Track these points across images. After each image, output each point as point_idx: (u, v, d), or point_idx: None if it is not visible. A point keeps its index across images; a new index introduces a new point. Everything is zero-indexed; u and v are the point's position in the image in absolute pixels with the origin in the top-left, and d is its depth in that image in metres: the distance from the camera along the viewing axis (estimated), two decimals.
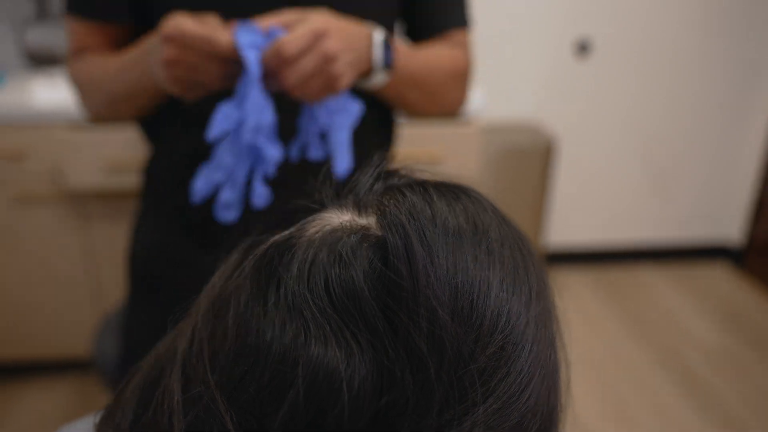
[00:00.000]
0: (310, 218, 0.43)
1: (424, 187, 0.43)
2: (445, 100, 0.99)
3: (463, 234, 0.40)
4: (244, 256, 0.43)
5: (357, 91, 0.88)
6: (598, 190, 2.97)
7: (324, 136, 0.85)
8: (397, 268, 0.38)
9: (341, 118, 0.82)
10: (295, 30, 0.73)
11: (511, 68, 2.71)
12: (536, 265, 0.44)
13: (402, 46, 0.90)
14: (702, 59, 2.79)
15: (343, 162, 0.82)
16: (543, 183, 2.65)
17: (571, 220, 2.99)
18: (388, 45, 0.83)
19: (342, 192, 0.45)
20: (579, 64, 2.74)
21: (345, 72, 0.76)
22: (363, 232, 0.40)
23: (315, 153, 0.85)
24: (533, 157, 2.59)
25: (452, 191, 0.44)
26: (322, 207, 0.44)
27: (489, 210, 0.44)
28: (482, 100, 2.22)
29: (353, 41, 0.78)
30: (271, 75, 0.74)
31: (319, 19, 0.75)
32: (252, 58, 0.72)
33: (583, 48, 2.70)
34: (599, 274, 3.00)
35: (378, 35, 0.83)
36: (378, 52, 0.82)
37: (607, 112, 2.83)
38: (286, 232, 0.43)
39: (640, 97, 2.83)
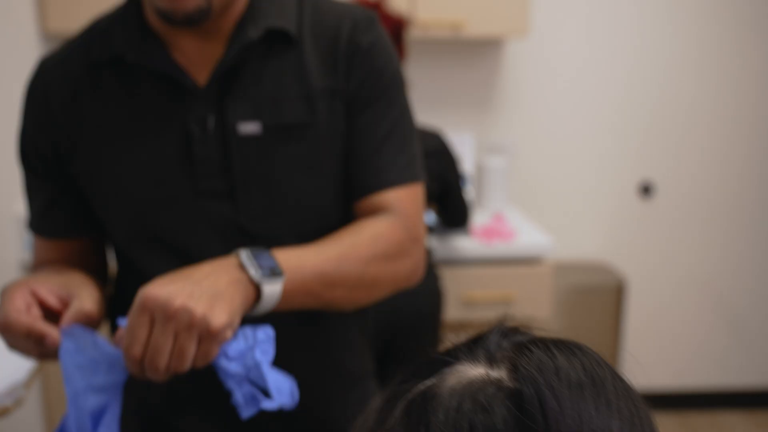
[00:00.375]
0: (447, 369, 0.50)
1: (545, 343, 0.50)
2: (384, 283, 0.91)
3: (584, 386, 0.47)
4: (390, 403, 0.50)
5: (266, 317, 0.81)
6: (671, 332, 2.92)
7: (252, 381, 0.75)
8: (533, 416, 0.44)
9: (256, 353, 0.75)
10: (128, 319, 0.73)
11: (578, 210, 2.80)
12: (647, 414, 0.49)
13: (295, 249, 0.85)
14: (766, 199, 2.83)
15: (282, 395, 0.76)
16: (615, 323, 2.64)
17: (646, 362, 2.93)
18: (260, 253, 0.80)
19: (473, 347, 0.52)
20: (643, 205, 2.81)
21: (207, 314, 0.71)
22: (498, 384, 0.47)
23: (266, 404, 0.75)
24: (604, 296, 2.61)
25: (568, 347, 0.51)
26: (456, 360, 0.51)
27: (602, 364, 0.50)
28: (551, 242, 2.29)
29: (194, 278, 0.75)
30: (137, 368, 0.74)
31: (141, 296, 0.73)
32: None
33: (646, 190, 2.78)
34: (681, 419, 2.88)
35: (243, 250, 0.80)
36: (251, 264, 0.78)
37: (673, 252, 2.86)
38: (428, 382, 0.49)
39: (705, 237, 2.85)
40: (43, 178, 0.96)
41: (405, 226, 0.93)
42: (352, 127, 0.94)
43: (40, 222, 0.98)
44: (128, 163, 0.91)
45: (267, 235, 0.92)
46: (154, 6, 0.84)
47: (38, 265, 1.00)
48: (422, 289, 1.82)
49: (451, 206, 2.08)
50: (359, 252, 0.87)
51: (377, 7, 1.85)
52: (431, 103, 2.73)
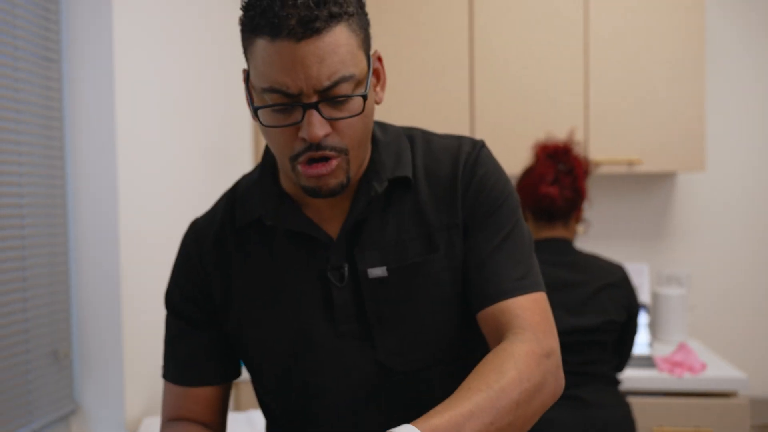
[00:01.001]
0: None
1: None
2: (534, 416, 0.87)
3: None
4: None
5: None
6: None
7: None
8: None
9: None
10: None
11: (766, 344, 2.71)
12: None
13: (446, 414, 0.78)
14: None
15: None
16: None
17: None
18: None
19: None
20: None
21: None
22: None
23: None
24: None
25: None
26: None
27: None
28: (745, 376, 2.24)
29: None
30: None
31: None
32: None
33: None
34: None
35: None
36: None
37: None
38: None
39: None
40: (195, 327, 1.03)
41: (537, 340, 0.89)
42: (468, 246, 0.97)
43: (183, 371, 1.04)
44: (275, 314, 0.99)
45: (404, 369, 0.98)
46: (300, 185, 0.91)
47: (170, 420, 1.05)
48: (614, 416, 1.85)
49: (625, 341, 2.10)
50: (509, 398, 0.82)
51: (568, 151, 2.02)
52: (605, 235, 2.84)
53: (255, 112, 0.88)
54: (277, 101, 0.84)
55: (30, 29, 1.59)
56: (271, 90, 0.84)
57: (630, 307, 1.99)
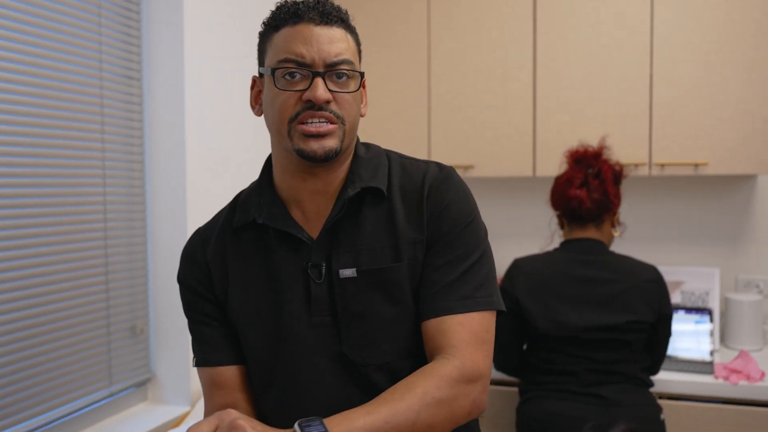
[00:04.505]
0: None
1: None
2: (440, 426, 0.98)
3: None
4: None
5: None
6: None
7: None
8: None
9: None
10: None
11: None
12: None
13: (348, 412, 0.93)
14: None
15: None
16: None
17: None
18: (312, 422, 0.90)
19: None
20: None
21: None
22: None
23: None
24: None
25: None
26: None
27: None
28: None
29: None
30: None
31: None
32: None
33: None
34: None
35: (297, 422, 0.90)
36: None
37: None
38: None
39: None
40: (209, 320, 1.16)
41: (461, 368, 1.01)
42: (426, 261, 1.08)
43: (210, 354, 1.16)
44: (264, 302, 1.11)
45: (365, 362, 1.08)
46: (296, 149, 1.03)
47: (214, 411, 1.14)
48: (636, 417, 1.86)
49: (658, 343, 2.08)
50: (410, 403, 0.95)
51: (598, 155, 2.06)
52: (671, 237, 2.79)
53: (272, 73, 1.04)
54: (292, 67, 1.03)
55: (114, 53, 1.87)
56: (287, 60, 1.03)
57: (661, 308, 1.99)
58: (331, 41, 1.03)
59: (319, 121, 1.03)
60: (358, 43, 1.11)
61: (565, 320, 1.96)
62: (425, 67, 2.77)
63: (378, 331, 1.08)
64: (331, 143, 1.03)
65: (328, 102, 1.03)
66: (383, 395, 0.98)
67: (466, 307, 1.05)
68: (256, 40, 1.12)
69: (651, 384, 2.03)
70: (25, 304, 1.59)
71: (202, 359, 1.17)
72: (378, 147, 1.20)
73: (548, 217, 2.69)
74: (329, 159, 1.04)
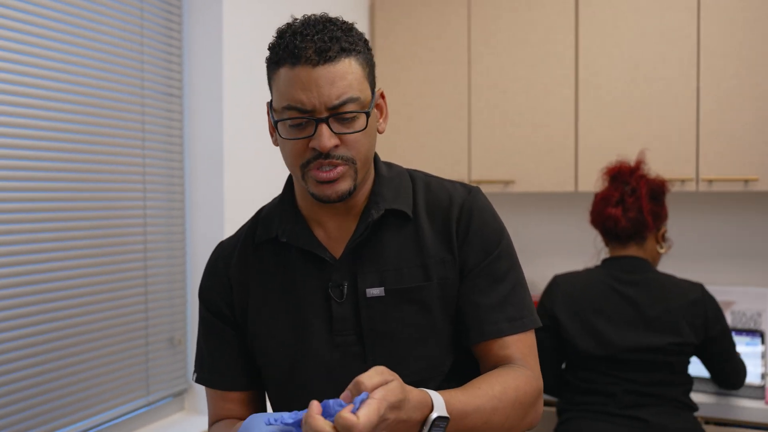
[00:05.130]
0: None
1: None
2: (515, 429, 1.02)
3: None
4: None
5: None
6: None
7: None
8: None
9: None
10: (368, 409, 0.80)
11: None
12: None
13: (459, 403, 0.92)
14: None
15: None
16: None
17: None
18: (440, 422, 0.88)
19: None
20: None
21: None
22: None
23: None
24: None
25: None
26: None
27: None
28: None
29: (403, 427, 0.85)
30: None
31: (391, 409, 0.82)
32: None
33: None
34: None
35: (434, 413, 0.88)
36: (426, 429, 0.87)
37: None
38: None
39: None
40: (223, 337, 1.15)
41: (535, 378, 1.06)
42: (466, 286, 1.08)
43: (217, 376, 1.16)
44: (283, 320, 1.10)
45: None
46: (310, 192, 1.03)
47: (213, 420, 1.17)
48: None
49: (716, 361, 2.00)
50: (505, 404, 0.99)
51: (635, 171, 2.00)
52: (718, 254, 2.69)
53: (275, 124, 1.03)
54: (294, 116, 1.00)
55: (156, 71, 1.93)
56: (289, 107, 0.99)
57: (707, 329, 1.92)
58: (332, 82, 0.98)
59: (330, 167, 1.01)
60: (368, 64, 1.05)
61: (604, 340, 1.91)
62: (465, 83, 2.76)
63: (405, 350, 1.07)
64: (343, 186, 1.02)
65: (336, 146, 1.00)
66: (478, 384, 0.99)
67: (516, 328, 1.08)
68: None
69: (695, 408, 1.96)
70: (68, 314, 1.64)
71: (205, 379, 1.18)
72: (400, 167, 1.19)
73: (590, 233, 2.63)
74: (344, 199, 1.04)
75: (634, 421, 1.85)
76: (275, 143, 1.08)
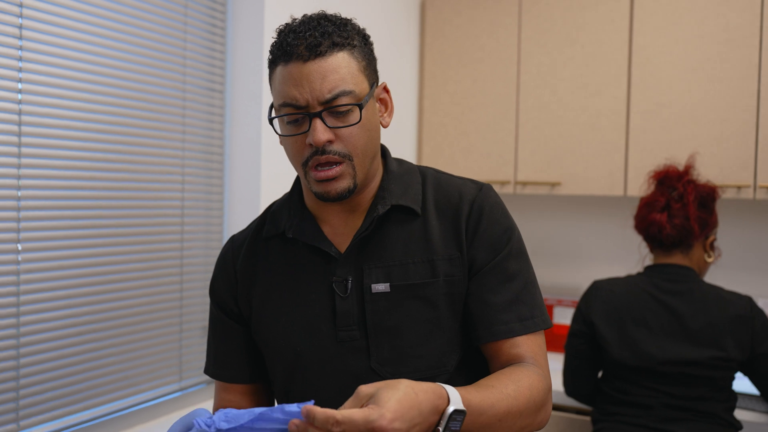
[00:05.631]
0: None
1: None
2: (526, 429, 1.00)
3: None
4: None
5: None
6: None
7: None
8: None
9: None
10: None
11: None
12: None
13: (475, 399, 0.90)
14: None
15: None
16: None
17: None
18: (457, 415, 0.86)
19: None
20: None
21: None
22: None
23: None
24: None
25: None
26: None
27: None
28: None
29: (416, 420, 0.81)
30: None
31: (386, 413, 0.77)
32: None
33: None
34: None
35: (451, 406, 0.85)
36: (443, 423, 0.85)
37: None
38: None
39: None
40: (230, 330, 1.17)
41: (545, 376, 1.04)
42: (475, 284, 1.07)
43: (222, 369, 1.18)
44: (288, 314, 1.10)
45: (395, 378, 1.03)
46: (312, 191, 1.04)
47: (217, 409, 1.17)
48: None
49: (764, 379, 1.89)
50: (519, 405, 0.97)
51: (683, 176, 1.91)
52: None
53: (271, 122, 1.05)
54: (289, 113, 1.01)
55: (198, 66, 1.99)
56: (284, 104, 1.00)
57: (754, 346, 1.81)
58: (323, 76, 0.98)
59: (327, 165, 1.01)
60: (365, 57, 1.04)
61: (641, 350, 1.84)
62: (514, 82, 2.72)
63: (409, 346, 1.06)
64: (341, 185, 1.02)
65: (330, 141, 1.00)
66: (491, 382, 0.97)
67: (527, 328, 1.07)
68: None
69: (738, 426, 1.86)
70: (111, 306, 1.72)
71: (211, 371, 1.21)
72: (411, 163, 1.18)
73: (638, 238, 2.54)
74: (344, 198, 1.04)
75: None
76: (281, 143, 1.09)
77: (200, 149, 2.01)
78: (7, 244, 1.49)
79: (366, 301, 1.07)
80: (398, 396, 0.81)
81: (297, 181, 1.19)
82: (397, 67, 2.74)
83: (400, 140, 2.80)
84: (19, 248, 1.52)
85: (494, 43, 2.75)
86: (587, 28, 2.59)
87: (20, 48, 1.50)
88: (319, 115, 0.99)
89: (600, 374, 2.02)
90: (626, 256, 2.69)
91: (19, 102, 1.50)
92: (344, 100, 0.99)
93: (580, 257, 2.85)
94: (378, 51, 3.00)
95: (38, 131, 1.55)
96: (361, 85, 1.02)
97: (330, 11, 1.09)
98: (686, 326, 1.82)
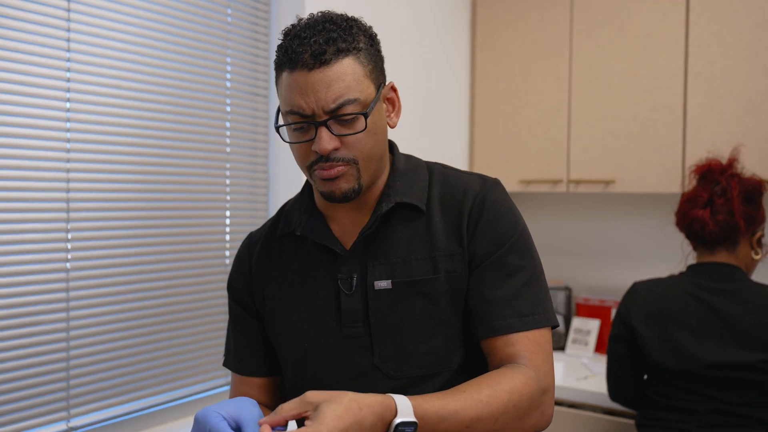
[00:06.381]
0: None
1: None
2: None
3: None
4: None
5: None
6: None
7: None
8: None
9: None
10: None
11: None
12: None
13: (433, 408, 0.90)
14: None
15: None
16: None
17: None
18: (406, 426, 0.86)
19: None
20: None
21: None
22: None
23: None
24: None
25: None
26: None
27: None
28: None
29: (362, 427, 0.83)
30: None
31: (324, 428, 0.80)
32: None
33: None
34: None
35: (397, 418, 0.86)
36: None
37: None
38: None
39: None
40: (246, 324, 1.20)
41: (537, 378, 1.00)
42: (476, 278, 1.06)
43: (240, 362, 1.21)
44: (298, 311, 1.13)
45: (397, 375, 1.06)
46: (319, 191, 1.06)
47: None
48: None
49: None
50: (491, 411, 0.94)
51: (726, 170, 1.82)
52: None
53: (278, 130, 1.06)
54: (295, 121, 1.02)
55: (242, 72, 2.06)
56: (291, 112, 1.01)
57: None
58: (328, 85, 0.98)
59: (330, 166, 1.03)
60: (371, 60, 1.04)
61: (684, 353, 1.77)
62: (566, 77, 2.66)
63: (411, 343, 1.07)
64: (345, 185, 1.04)
65: (336, 149, 1.01)
66: (470, 391, 0.96)
67: (526, 325, 1.04)
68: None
69: None
70: (160, 302, 1.82)
71: (229, 364, 1.24)
72: (419, 159, 1.19)
73: None
74: (348, 199, 1.05)
75: None
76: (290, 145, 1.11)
77: (245, 152, 2.09)
78: (57, 243, 1.61)
79: (369, 298, 1.08)
80: (339, 411, 0.83)
81: (307, 180, 1.21)
82: (449, 66, 2.74)
83: (452, 140, 2.80)
84: (69, 247, 1.63)
85: (545, 39, 2.71)
86: (641, 18, 2.50)
87: (68, 50, 1.61)
88: (324, 123, 1.00)
89: (645, 378, 1.95)
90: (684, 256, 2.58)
91: (68, 100, 1.61)
92: (349, 109, 1.00)
93: (635, 258, 2.76)
94: (428, 50, 3.01)
95: (85, 137, 1.66)
96: (366, 91, 1.02)
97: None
98: (732, 328, 1.74)
